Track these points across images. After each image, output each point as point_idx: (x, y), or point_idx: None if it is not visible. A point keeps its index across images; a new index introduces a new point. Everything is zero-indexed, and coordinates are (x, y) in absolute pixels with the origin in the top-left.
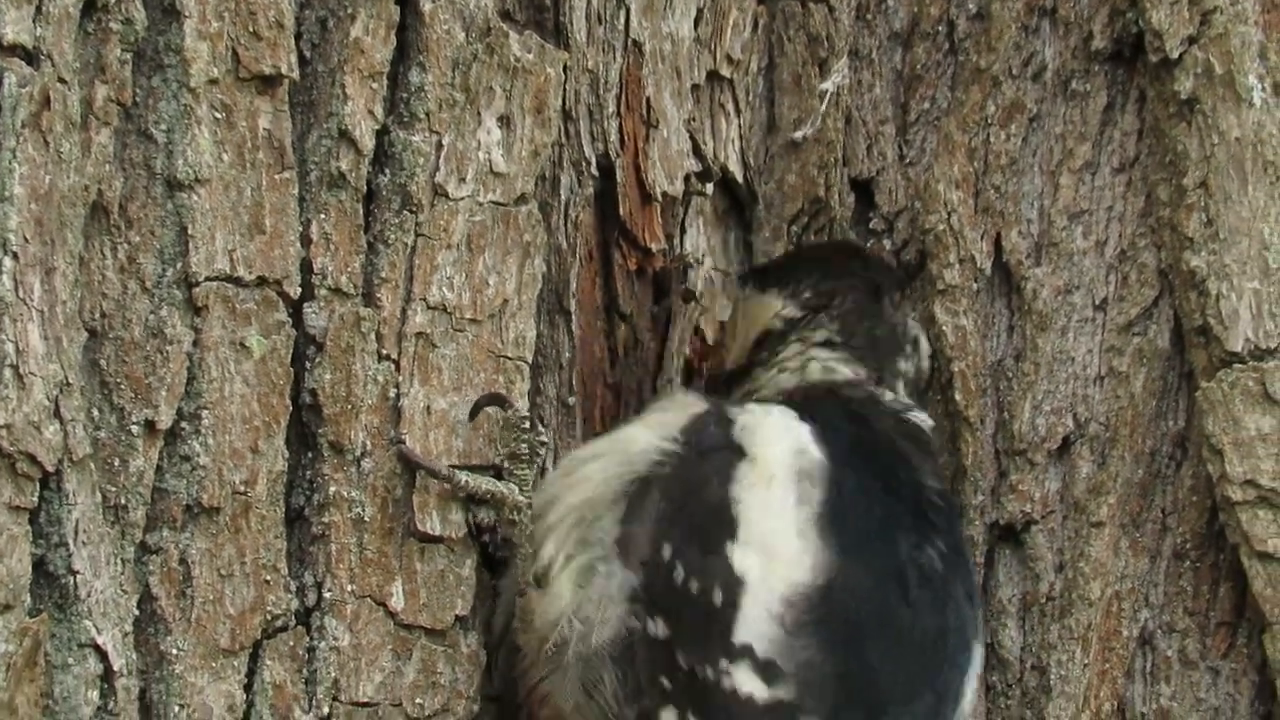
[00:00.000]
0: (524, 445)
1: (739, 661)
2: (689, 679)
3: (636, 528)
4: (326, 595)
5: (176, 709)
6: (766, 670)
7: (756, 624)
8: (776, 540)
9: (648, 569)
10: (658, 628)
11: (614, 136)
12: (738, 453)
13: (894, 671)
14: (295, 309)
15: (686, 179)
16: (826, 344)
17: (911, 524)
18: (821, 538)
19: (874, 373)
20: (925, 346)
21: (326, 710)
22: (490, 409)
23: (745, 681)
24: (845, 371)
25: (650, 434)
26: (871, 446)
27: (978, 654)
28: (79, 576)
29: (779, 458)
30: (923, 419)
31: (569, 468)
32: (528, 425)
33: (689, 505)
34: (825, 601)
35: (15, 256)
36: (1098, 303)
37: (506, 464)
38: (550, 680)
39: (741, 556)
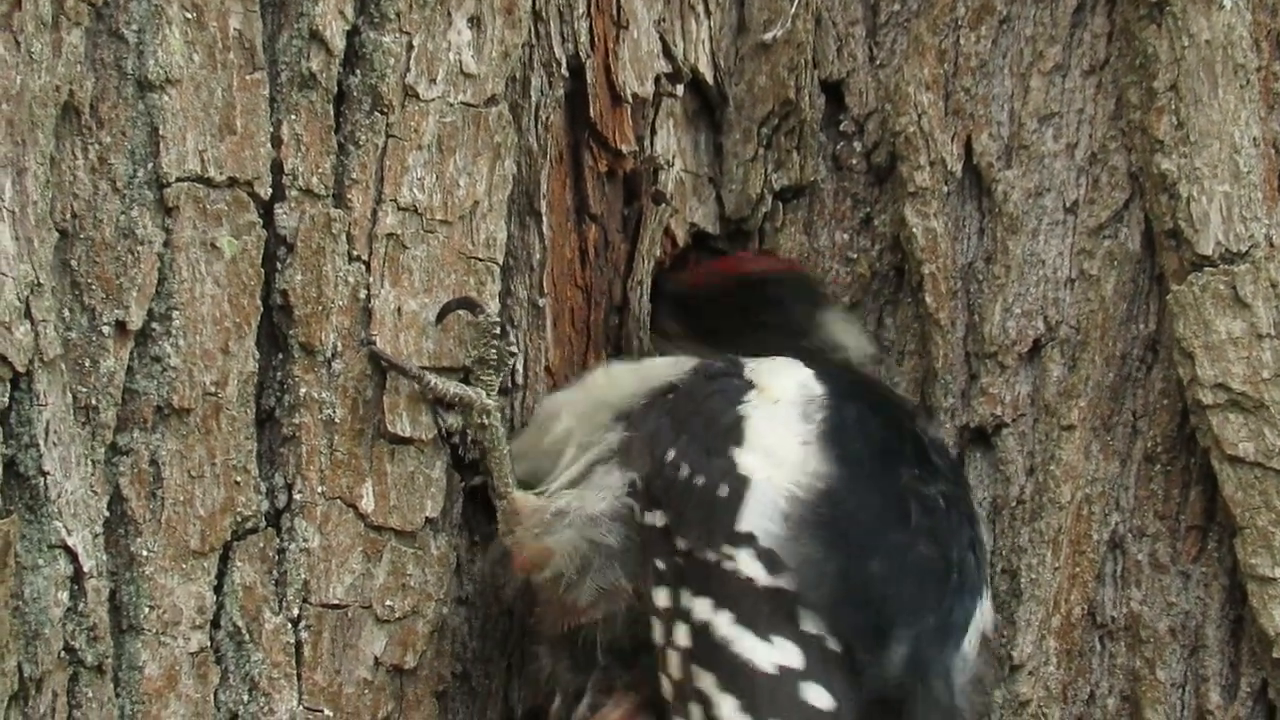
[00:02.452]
0: (493, 351)
1: (741, 546)
2: (686, 560)
3: (637, 439)
4: (297, 497)
5: (146, 610)
6: (768, 559)
7: (760, 517)
8: (780, 448)
9: (649, 470)
10: (655, 518)
11: (584, 37)
12: (747, 384)
13: (897, 584)
14: (266, 210)
15: (657, 80)
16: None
17: (915, 461)
18: (823, 451)
19: None
20: (856, 339)
21: (296, 612)
22: (461, 312)
23: (746, 565)
24: None
25: (665, 364)
26: (874, 396)
27: (984, 608)
28: (49, 477)
29: (786, 385)
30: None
31: (582, 375)
32: (498, 331)
33: (695, 416)
34: (828, 506)
35: None
36: (1068, 205)
37: (474, 368)
38: (547, 537)
39: (747, 458)
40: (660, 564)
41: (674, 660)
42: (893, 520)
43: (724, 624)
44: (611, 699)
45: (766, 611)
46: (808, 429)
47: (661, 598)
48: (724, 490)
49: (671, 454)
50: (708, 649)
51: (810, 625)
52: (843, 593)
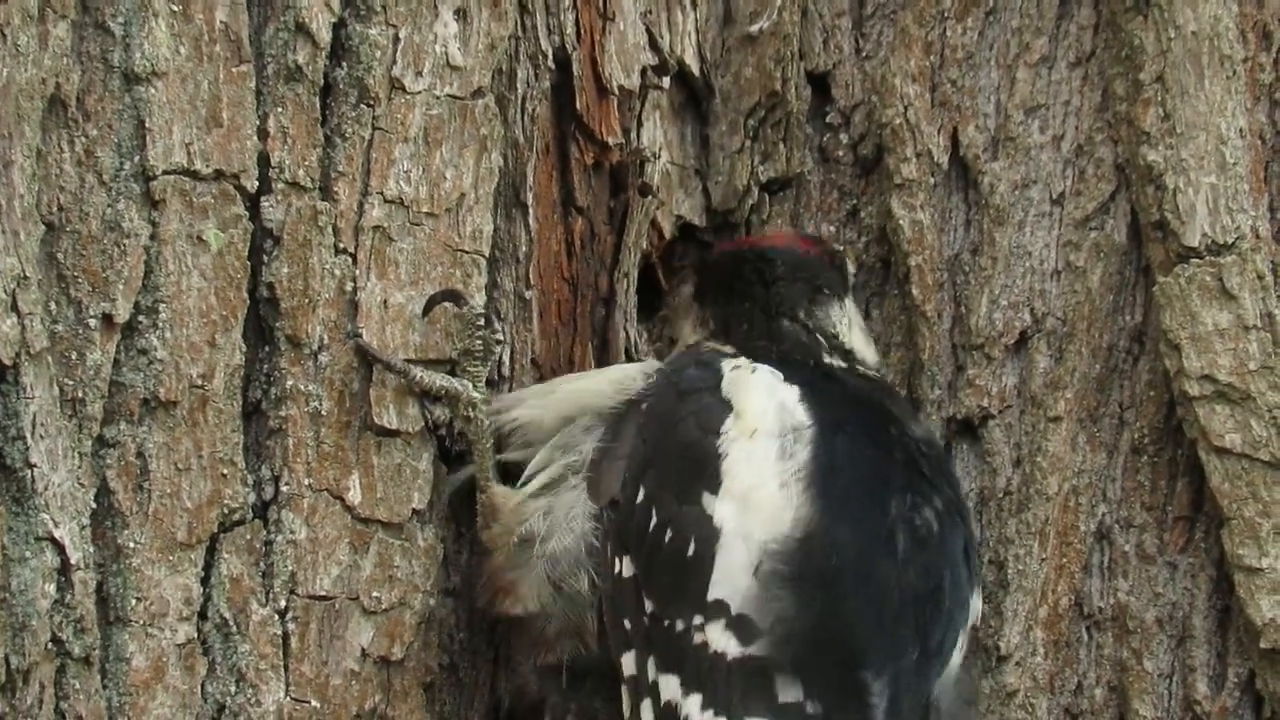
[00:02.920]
0: (479, 342)
1: (712, 618)
2: (654, 624)
3: (607, 465)
4: (284, 489)
5: (133, 602)
6: (740, 627)
7: (730, 578)
8: (757, 492)
9: (619, 509)
10: (625, 567)
11: (570, 29)
12: (724, 405)
13: (875, 628)
14: (252, 203)
15: (643, 72)
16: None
17: (905, 483)
18: (805, 493)
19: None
20: (844, 333)
21: (283, 603)
22: (446, 304)
23: (717, 638)
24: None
25: (633, 369)
26: (855, 406)
27: (975, 607)
28: (36, 470)
29: (763, 413)
30: (873, 369)
31: (555, 384)
32: (483, 322)
33: (666, 446)
34: (804, 555)
35: None
36: (1055, 197)
37: (461, 360)
38: (517, 573)
39: (720, 507)
40: (629, 624)
41: None
42: (877, 558)
43: (694, 708)
44: None
45: (740, 689)
46: (785, 468)
47: (629, 664)
48: (693, 548)
49: (641, 494)
50: None
51: (787, 694)
52: (815, 650)
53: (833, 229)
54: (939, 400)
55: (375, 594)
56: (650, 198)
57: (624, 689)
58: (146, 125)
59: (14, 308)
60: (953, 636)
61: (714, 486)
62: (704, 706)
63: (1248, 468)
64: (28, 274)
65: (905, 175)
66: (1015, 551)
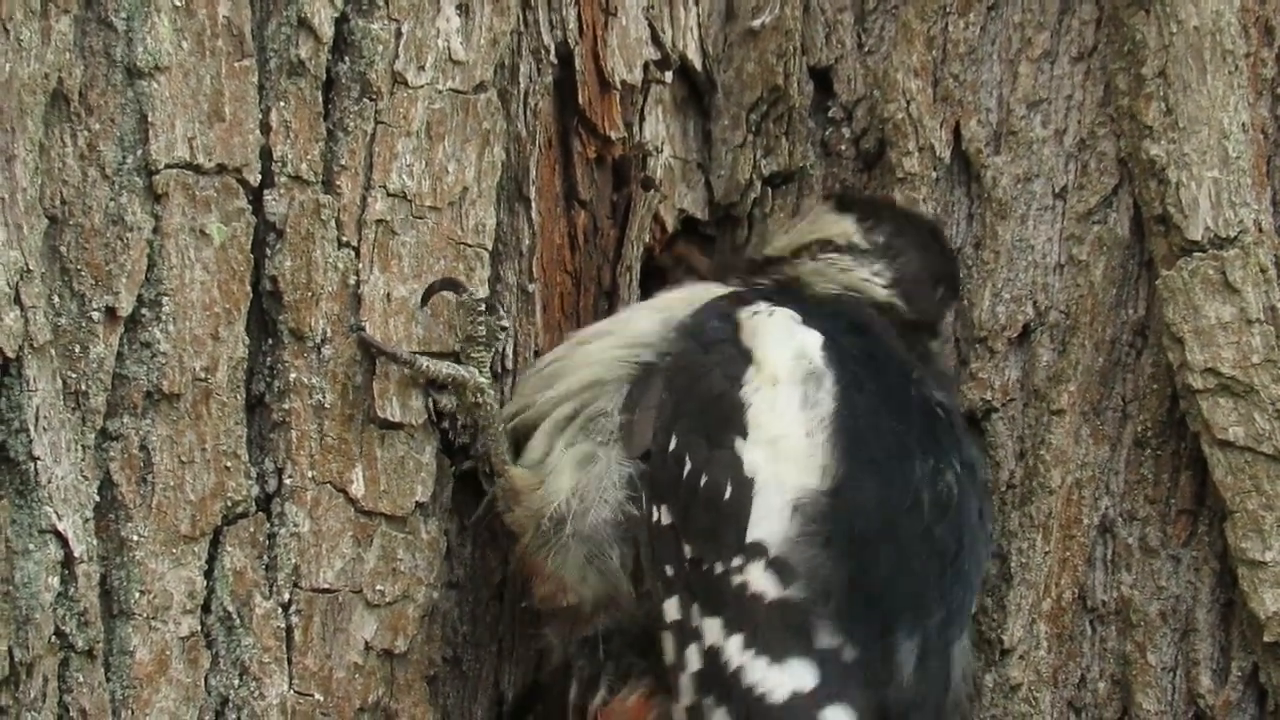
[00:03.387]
0: (481, 328)
1: (751, 559)
2: (694, 569)
3: (639, 415)
4: (287, 482)
5: (137, 595)
6: (779, 568)
7: (768, 521)
8: (784, 441)
9: (651, 458)
10: (662, 514)
11: (573, 24)
12: (744, 355)
13: (905, 586)
14: (255, 196)
15: (645, 67)
16: (875, 274)
17: (922, 444)
18: (831, 447)
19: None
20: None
21: (287, 596)
22: (445, 293)
23: (757, 579)
24: (883, 292)
25: (655, 318)
26: (876, 359)
27: (985, 566)
28: (39, 463)
29: (783, 361)
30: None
31: (567, 350)
32: (484, 308)
33: (694, 396)
34: (834, 509)
35: None
36: (1057, 191)
37: (465, 347)
38: (551, 557)
39: (752, 454)
40: (670, 570)
41: (686, 685)
42: (904, 513)
43: (735, 649)
44: (627, 685)
45: (779, 629)
46: (810, 416)
47: (672, 609)
48: (729, 492)
49: (674, 442)
50: (719, 676)
51: (825, 637)
52: (853, 599)
53: None
54: None
55: (379, 587)
56: (653, 192)
57: (668, 635)
58: (149, 119)
59: (17, 301)
60: (970, 598)
61: (742, 431)
62: (745, 646)
63: (1251, 461)
64: (31, 267)
65: (907, 169)
66: (1019, 545)
